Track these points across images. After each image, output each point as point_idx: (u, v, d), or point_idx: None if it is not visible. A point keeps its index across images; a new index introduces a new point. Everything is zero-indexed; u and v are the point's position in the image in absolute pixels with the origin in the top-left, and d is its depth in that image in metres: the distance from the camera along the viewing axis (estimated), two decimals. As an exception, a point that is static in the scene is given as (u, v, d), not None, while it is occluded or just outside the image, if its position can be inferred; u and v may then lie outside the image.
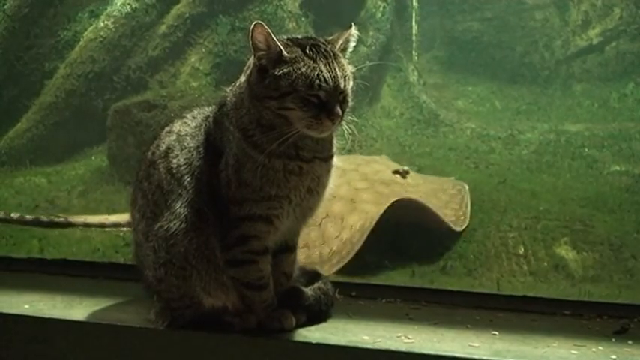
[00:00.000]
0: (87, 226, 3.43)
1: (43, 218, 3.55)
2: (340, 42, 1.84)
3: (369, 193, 2.87)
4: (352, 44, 1.87)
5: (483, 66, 5.79)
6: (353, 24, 1.88)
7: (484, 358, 1.81)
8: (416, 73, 5.38)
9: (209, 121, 1.94)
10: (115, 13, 4.76)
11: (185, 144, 1.94)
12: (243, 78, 1.87)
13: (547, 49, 5.73)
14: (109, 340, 2.07)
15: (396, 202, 2.73)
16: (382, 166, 3.21)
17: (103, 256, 3.20)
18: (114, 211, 3.81)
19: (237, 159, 1.83)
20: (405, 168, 3.22)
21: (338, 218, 2.64)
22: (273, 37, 1.76)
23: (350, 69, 1.82)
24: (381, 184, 2.95)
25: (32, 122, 4.64)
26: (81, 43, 4.75)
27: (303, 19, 4.70)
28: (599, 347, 1.91)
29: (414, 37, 5.53)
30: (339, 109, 1.76)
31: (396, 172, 3.16)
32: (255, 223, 1.86)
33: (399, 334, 1.97)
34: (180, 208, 1.87)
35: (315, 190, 1.90)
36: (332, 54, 1.79)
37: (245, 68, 1.88)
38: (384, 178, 3.04)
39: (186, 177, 1.90)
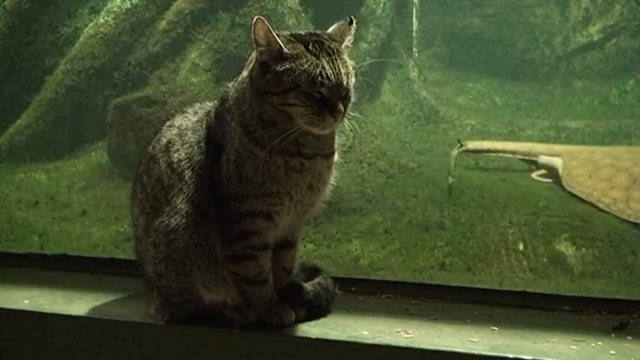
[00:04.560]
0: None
1: None
2: (345, 40, 1.84)
3: None
4: (351, 39, 1.87)
5: (484, 62, 5.78)
6: (353, 18, 1.87)
7: (483, 353, 1.81)
8: (416, 69, 5.38)
9: (210, 116, 1.94)
10: (115, 9, 4.75)
11: (186, 138, 1.94)
12: (245, 73, 1.86)
13: (547, 46, 5.73)
14: (109, 336, 2.07)
15: None
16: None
17: (102, 252, 3.21)
18: (114, 208, 3.81)
19: (238, 154, 1.83)
20: None
21: None
22: (273, 33, 1.75)
23: (352, 65, 1.82)
24: None
25: (32, 118, 4.63)
26: (81, 39, 4.74)
27: (303, 15, 4.69)
28: (599, 343, 1.91)
29: (414, 34, 5.52)
30: (341, 106, 1.77)
31: None
32: (255, 219, 1.86)
33: (399, 330, 1.97)
34: (180, 203, 1.87)
35: (316, 186, 1.90)
36: (335, 51, 1.78)
37: (247, 63, 1.87)
38: None
39: (186, 172, 1.90)
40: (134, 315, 2.08)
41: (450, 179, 3.81)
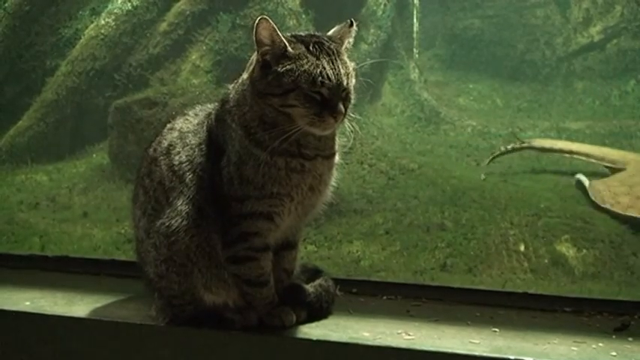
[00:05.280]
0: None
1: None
2: (345, 42, 1.84)
3: None
4: (351, 41, 1.88)
5: (484, 63, 5.79)
6: (354, 21, 1.88)
7: (484, 354, 1.81)
8: (417, 70, 5.38)
9: (211, 118, 1.94)
10: (116, 10, 4.76)
11: (187, 141, 1.94)
12: (245, 75, 1.86)
13: (548, 47, 5.73)
14: (110, 337, 2.08)
15: None
16: None
17: (104, 254, 3.21)
18: (115, 209, 3.82)
19: (239, 156, 1.83)
20: None
21: None
22: (279, 32, 1.76)
23: (352, 66, 1.82)
24: None
25: (33, 120, 4.64)
26: (82, 40, 4.75)
27: (303, 16, 4.69)
28: (600, 344, 1.91)
29: (415, 35, 5.53)
30: (341, 107, 1.77)
31: None
32: (256, 221, 1.86)
33: (400, 331, 1.97)
34: (181, 205, 1.88)
35: (317, 187, 1.90)
36: (335, 51, 1.79)
37: (248, 65, 1.88)
38: None
39: (187, 174, 1.90)
40: (135, 316, 2.08)
41: (483, 176, 3.78)
